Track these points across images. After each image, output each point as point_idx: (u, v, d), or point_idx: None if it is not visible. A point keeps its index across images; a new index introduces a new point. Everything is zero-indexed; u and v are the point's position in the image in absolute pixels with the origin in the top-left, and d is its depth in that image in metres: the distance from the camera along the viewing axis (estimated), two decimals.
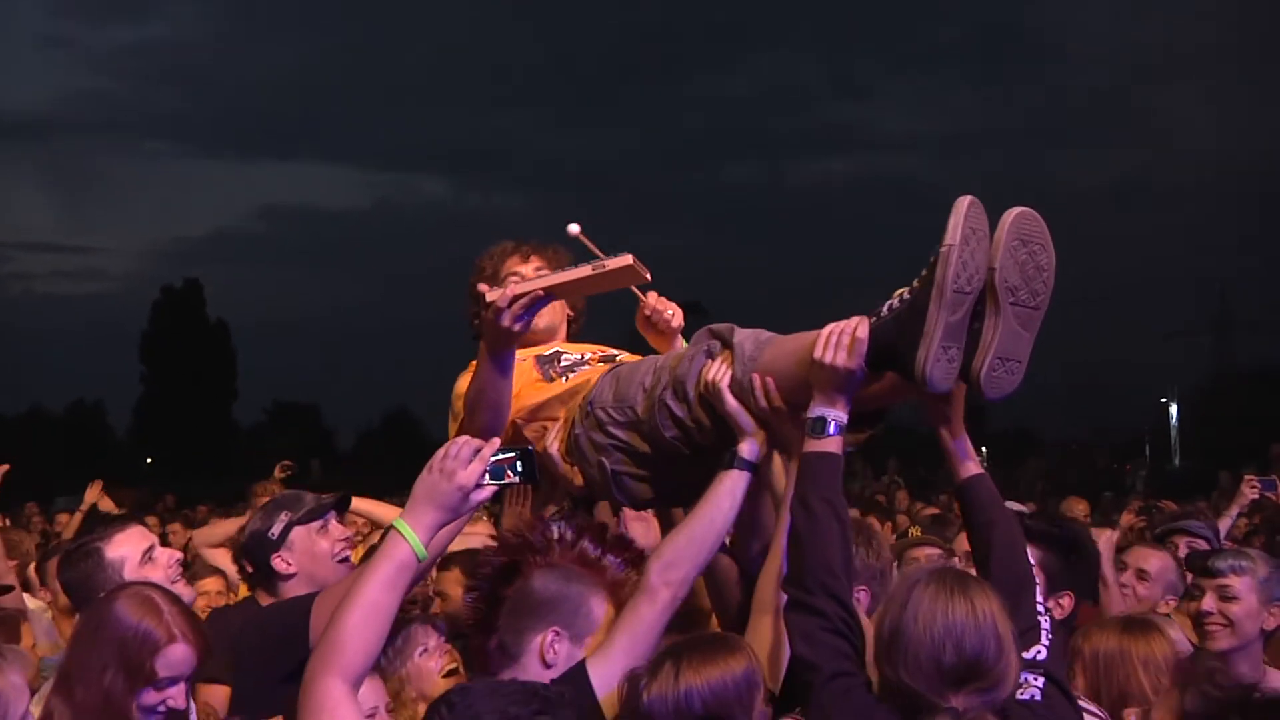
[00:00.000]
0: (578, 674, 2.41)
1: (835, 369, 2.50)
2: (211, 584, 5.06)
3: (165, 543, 3.35)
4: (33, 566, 6.19)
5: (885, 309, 2.51)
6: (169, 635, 2.57)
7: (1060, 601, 3.34)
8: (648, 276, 2.91)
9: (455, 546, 3.14)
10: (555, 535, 2.60)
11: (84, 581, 3.11)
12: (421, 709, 2.65)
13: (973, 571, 2.53)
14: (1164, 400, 38.17)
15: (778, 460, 2.82)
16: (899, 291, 2.50)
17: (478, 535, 4.16)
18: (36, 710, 2.57)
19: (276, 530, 3.35)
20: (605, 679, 2.41)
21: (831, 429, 2.52)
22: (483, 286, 2.91)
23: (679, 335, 3.35)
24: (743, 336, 2.73)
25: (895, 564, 3.52)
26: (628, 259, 2.81)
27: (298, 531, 3.35)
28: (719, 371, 2.70)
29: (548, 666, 2.47)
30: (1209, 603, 3.50)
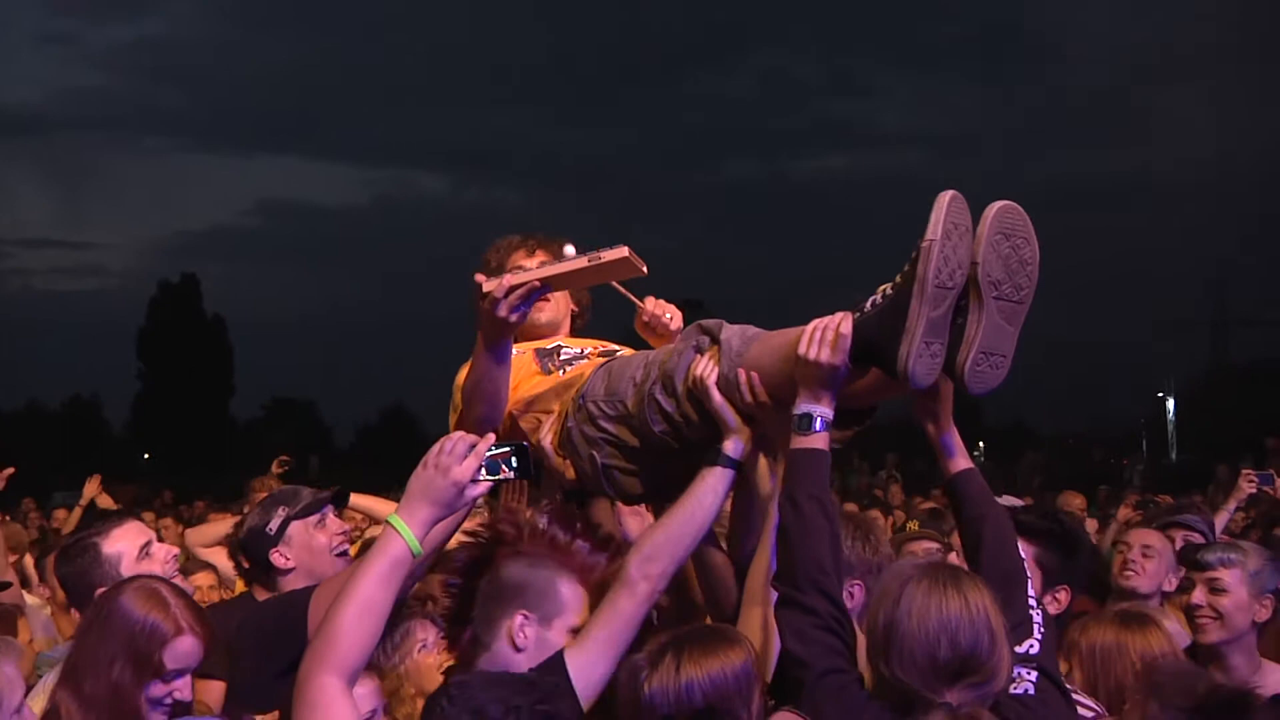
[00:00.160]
0: (556, 664, 2.42)
1: (819, 365, 2.50)
2: (203, 579, 5.07)
3: (159, 539, 3.35)
4: (30, 562, 6.21)
5: (869, 304, 2.51)
6: (176, 628, 2.59)
7: (1056, 596, 3.35)
8: (644, 269, 2.91)
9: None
10: (524, 524, 2.63)
11: (81, 577, 3.11)
12: (420, 705, 2.66)
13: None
14: (1161, 394, 38.21)
15: (763, 457, 2.83)
16: (882, 287, 2.50)
17: None
18: (36, 705, 2.58)
19: (274, 525, 3.37)
20: (582, 670, 2.42)
21: (818, 425, 2.52)
22: (479, 277, 2.92)
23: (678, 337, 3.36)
24: (730, 333, 2.73)
25: (895, 559, 3.52)
26: (624, 250, 2.82)
27: (295, 526, 3.37)
28: (706, 368, 2.70)
29: (519, 650, 2.49)
30: (1199, 595, 3.50)
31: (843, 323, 2.50)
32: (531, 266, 3.28)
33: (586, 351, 3.28)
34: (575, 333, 3.50)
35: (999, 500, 2.93)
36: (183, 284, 48.36)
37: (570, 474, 3.00)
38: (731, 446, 2.68)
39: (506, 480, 2.44)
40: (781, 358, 2.60)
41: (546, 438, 3.02)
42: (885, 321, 2.45)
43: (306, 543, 3.36)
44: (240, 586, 4.23)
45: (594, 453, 2.91)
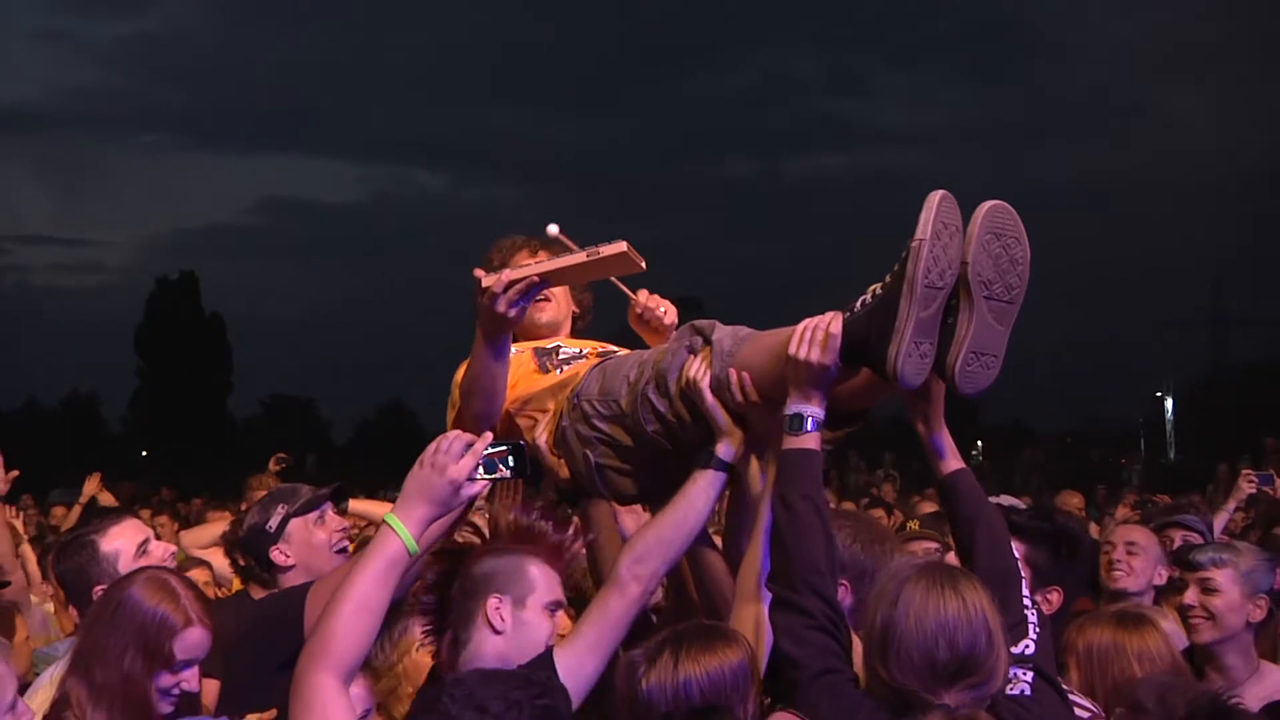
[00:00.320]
0: (545, 663, 2.43)
1: (809, 365, 2.50)
2: (197, 576, 5.06)
3: (155, 536, 3.35)
4: (33, 558, 6.19)
5: (859, 304, 2.51)
6: (186, 619, 2.61)
7: (1048, 597, 3.34)
8: (642, 265, 2.91)
9: None
10: (485, 524, 2.64)
11: (78, 574, 3.11)
12: None
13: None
14: (1159, 394, 38.17)
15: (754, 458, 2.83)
16: (872, 287, 2.50)
17: None
18: (43, 696, 2.61)
19: (274, 523, 3.37)
20: (571, 668, 2.43)
21: (809, 425, 2.53)
22: (479, 272, 2.93)
23: (673, 332, 3.36)
24: (722, 333, 2.74)
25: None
26: (622, 245, 2.82)
27: (295, 523, 3.38)
28: (699, 369, 2.71)
29: (498, 632, 2.49)
30: (1191, 596, 3.51)
31: (832, 322, 2.51)
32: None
33: (585, 352, 3.29)
34: (576, 334, 3.51)
35: (996, 501, 2.92)
36: (181, 281, 48.25)
37: (564, 473, 3.00)
38: (723, 449, 2.69)
39: (503, 479, 2.44)
40: (772, 358, 2.61)
41: (541, 436, 3.02)
42: (874, 321, 2.45)
43: (306, 540, 3.37)
44: (236, 585, 4.23)
45: (588, 452, 2.92)
